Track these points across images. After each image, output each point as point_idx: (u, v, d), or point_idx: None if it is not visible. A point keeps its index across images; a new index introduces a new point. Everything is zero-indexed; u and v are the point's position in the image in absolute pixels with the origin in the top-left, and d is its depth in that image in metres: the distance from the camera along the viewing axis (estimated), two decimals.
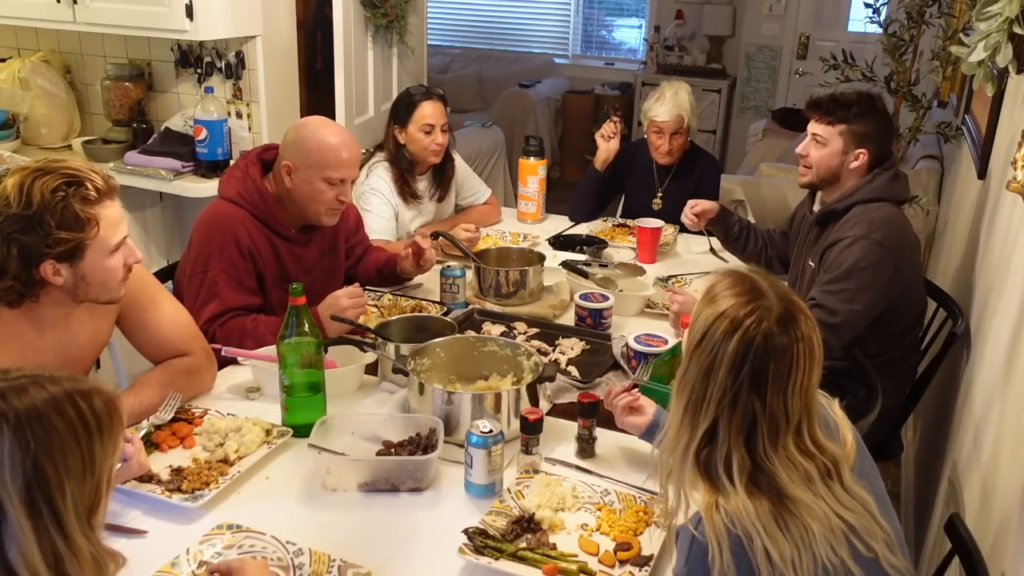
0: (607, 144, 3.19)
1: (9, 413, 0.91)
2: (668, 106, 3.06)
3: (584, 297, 2.27)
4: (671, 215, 3.11)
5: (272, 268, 2.16)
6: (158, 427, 1.68)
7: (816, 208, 2.43)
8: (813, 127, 2.33)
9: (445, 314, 2.21)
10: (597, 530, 1.47)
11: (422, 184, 2.92)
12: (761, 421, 1.19)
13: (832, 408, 1.33)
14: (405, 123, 2.80)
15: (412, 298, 2.39)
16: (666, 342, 2.05)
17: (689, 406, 1.22)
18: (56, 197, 1.49)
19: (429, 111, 2.79)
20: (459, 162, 3.08)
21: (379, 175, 2.82)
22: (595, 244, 2.89)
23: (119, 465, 1.50)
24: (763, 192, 4.08)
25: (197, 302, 2.05)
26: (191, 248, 2.13)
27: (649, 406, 1.64)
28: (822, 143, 2.31)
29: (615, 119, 3.21)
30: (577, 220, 3.20)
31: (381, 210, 2.78)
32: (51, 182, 1.49)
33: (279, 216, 2.16)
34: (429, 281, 2.53)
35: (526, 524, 1.44)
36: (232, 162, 3.09)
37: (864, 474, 1.28)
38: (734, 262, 2.78)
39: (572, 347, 2.13)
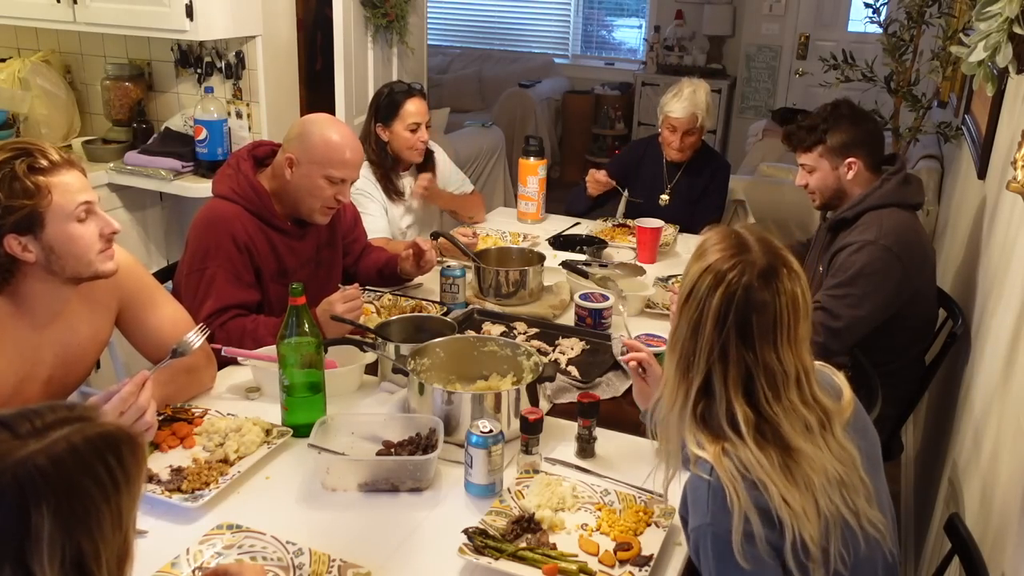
0: (595, 190, 3.19)
1: (49, 493, 0.83)
2: (684, 103, 3.06)
3: (584, 297, 2.27)
4: (678, 212, 3.11)
5: (269, 262, 2.17)
6: (159, 428, 1.68)
7: (829, 215, 2.43)
8: (797, 158, 2.38)
9: (445, 314, 2.21)
10: (597, 530, 1.47)
11: (405, 181, 2.92)
12: (757, 373, 1.21)
13: (835, 374, 1.35)
14: (389, 121, 2.80)
15: (412, 298, 2.39)
16: (666, 342, 2.05)
17: (681, 362, 1.26)
18: (3, 169, 1.47)
19: (414, 108, 2.79)
20: (441, 155, 3.08)
21: (364, 176, 2.81)
22: (595, 244, 2.89)
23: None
24: (763, 192, 4.08)
25: (196, 300, 2.05)
26: (188, 248, 2.14)
27: (657, 376, 1.65)
28: (810, 169, 2.34)
29: (612, 182, 3.18)
30: (570, 213, 3.26)
31: (373, 210, 2.79)
32: None
33: (273, 210, 2.17)
34: (429, 281, 2.53)
35: (526, 524, 1.44)
36: None
37: (860, 431, 1.31)
38: None
39: (572, 347, 2.13)
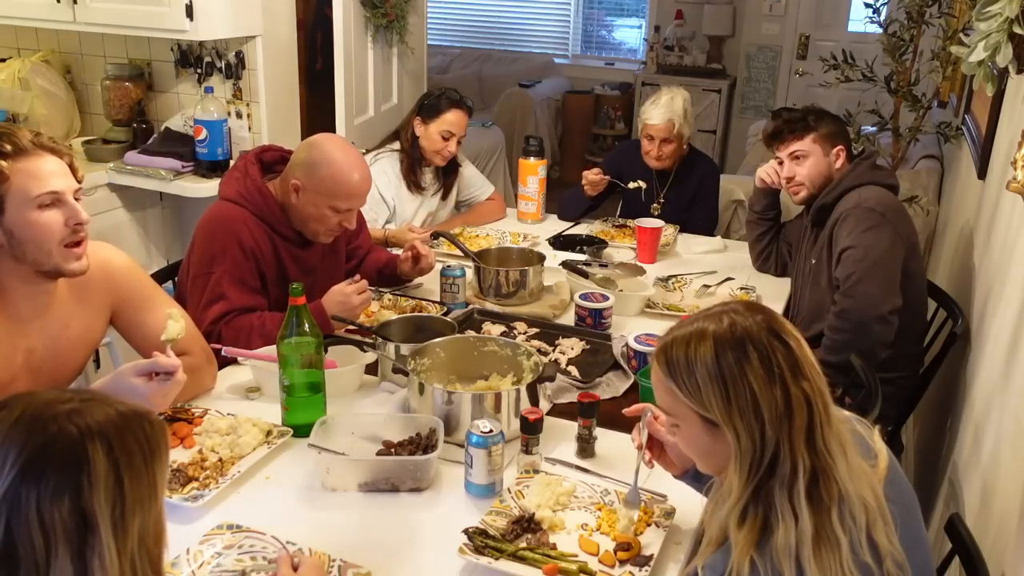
0: (593, 190, 3.14)
1: (98, 434, 0.90)
2: (661, 110, 3.02)
3: (584, 297, 2.27)
4: (670, 221, 3.10)
5: (272, 267, 2.16)
6: None
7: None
8: (788, 148, 2.41)
9: (445, 314, 2.21)
10: (597, 530, 1.46)
11: (427, 176, 2.99)
12: (816, 402, 1.11)
13: (872, 437, 1.27)
14: (428, 120, 2.87)
15: (412, 298, 2.39)
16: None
17: (754, 464, 1.12)
18: None
19: (454, 119, 2.87)
20: (468, 169, 3.16)
21: (382, 168, 2.87)
22: (595, 244, 2.89)
23: (168, 383, 1.58)
24: None
25: (201, 303, 2.04)
26: (194, 250, 2.12)
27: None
28: (804, 156, 2.39)
29: (607, 177, 3.12)
30: (565, 219, 3.22)
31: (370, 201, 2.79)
32: None
33: (279, 216, 2.15)
34: (429, 281, 2.53)
35: (526, 524, 1.44)
36: (232, 162, 3.10)
37: (896, 494, 1.22)
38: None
39: (572, 347, 2.13)
